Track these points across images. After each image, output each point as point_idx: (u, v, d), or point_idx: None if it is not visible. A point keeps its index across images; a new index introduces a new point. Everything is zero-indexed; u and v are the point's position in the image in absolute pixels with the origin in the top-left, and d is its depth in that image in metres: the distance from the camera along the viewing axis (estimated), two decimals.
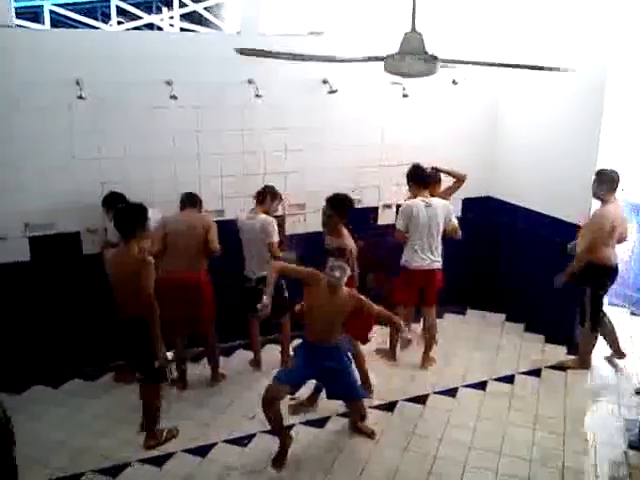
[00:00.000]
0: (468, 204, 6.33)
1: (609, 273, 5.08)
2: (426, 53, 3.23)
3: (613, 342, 5.45)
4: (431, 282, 5.28)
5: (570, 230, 5.46)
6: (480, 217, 6.35)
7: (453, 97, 6.05)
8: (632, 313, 6.46)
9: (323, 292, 4.06)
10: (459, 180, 5.68)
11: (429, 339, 5.52)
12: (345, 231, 4.82)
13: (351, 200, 4.97)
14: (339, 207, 4.83)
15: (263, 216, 5.00)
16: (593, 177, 5.00)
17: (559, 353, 5.69)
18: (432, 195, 5.32)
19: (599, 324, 5.25)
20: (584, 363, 5.41)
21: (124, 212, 4.07)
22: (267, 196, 5.11)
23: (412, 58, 3.19)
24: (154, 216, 4.83)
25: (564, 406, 4.87)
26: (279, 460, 4.12)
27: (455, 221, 5.26)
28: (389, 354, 5.59)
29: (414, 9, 3.26)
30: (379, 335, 5.69)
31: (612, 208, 4.95)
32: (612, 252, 5.05)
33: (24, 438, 3.67)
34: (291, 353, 5.01)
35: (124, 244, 4.02)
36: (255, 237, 4.99)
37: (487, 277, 6.49)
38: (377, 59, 3.27)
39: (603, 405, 4.94)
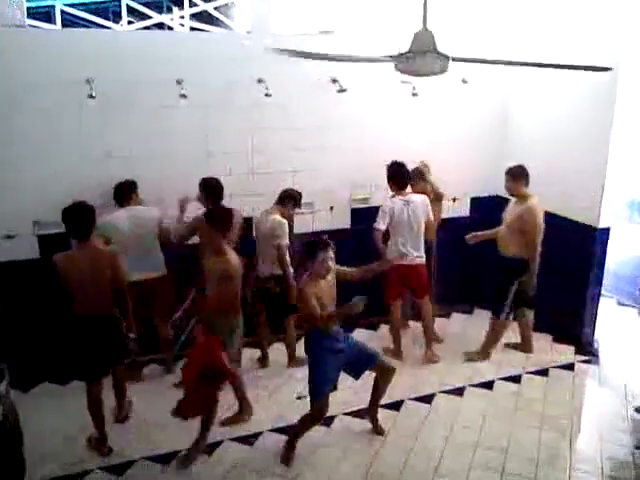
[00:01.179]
0: (476, 203, 6.32)
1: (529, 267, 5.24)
2: (437, 51, 3.23)
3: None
4: (416, 276, 5.35)
5: (578, 229, 5.45)
6: (488, 216, 6.31)
7: (463, 96, 6.04)
8: None
9: (321, 288, 4.03)
10: (437, 197, 5.67)
11: (428, 333, 5.55)
12: (230, 251, 4.21)
13: (229, 212, 4.37)
14: (218, 222, 4.20)
15: (275, 216, 5.01)
16: (505, 177, 5.25)
17: (567, 353, 5.67)
18: (415, 192, 5.37)
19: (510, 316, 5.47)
20: (487, 355, 5.58)
21: (78, 212, 3.97)
22: (289, 200, 5.11)
23: (423, 56, 3.20)
24: (150, 213, 4.89)
25: (571, 406, 4.86)
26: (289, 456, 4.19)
27: (432, 216, 5.34)
28: (395, 352, 5.60)
29: (425, 7, 3.26)
30: (384, 335, 5.71)
31: (537, 201, 5.16)
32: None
33: (33, 434, 3.70)
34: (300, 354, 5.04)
35: (83, 243, 4.00)
36: (265, 236, 5.02)
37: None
38: (388, 58, 3.28)
39: (611, 405, 4.92)
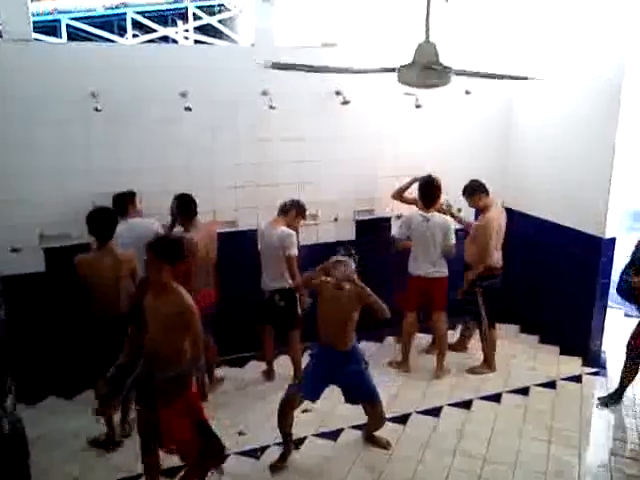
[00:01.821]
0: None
1: (498, 275, 5.43)
2: (440, 64, 3.24)
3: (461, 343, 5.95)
4: (432, 289, 5.34)
5: (584, 240, 5.43)
6: None
7: (466, 107, 6.05)
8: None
9: (331, 294, 4.06)
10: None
11: (440, 348, 5.52)
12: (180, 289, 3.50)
13: (178, 243, 3.64)
14: (167, 254, 3.47)
15: (283, 228, 4.99)
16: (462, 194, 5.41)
17: (574, 365, 5.63)
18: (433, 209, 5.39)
19: (493, 323, 5.49)
20: (490, 366, 5.57)
21: (103, 216, 4.26)
22: (292, 209, 5.09)
23: (426, 69, 3.20)
24: (148, 225, 4.85)
25: (579, 418, 4.82)
26: (278, 466, 4.20)
27: (452, 241, 5.24)
28: (403, 365, 5.57)
29: (428, 19, 3.27)
30: (393, 347, 5.68)
31: (494, 213, 5.33)
32: (499, 255, 5.40)
33: (39, 447, 3.69)
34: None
35: (102, 246, 4.24)
36: (273, 248, 4.99)
37: (501, 288, 6.44)
38: (391, 70, 3.28)
39: (619, 418, 4.87)
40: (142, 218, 4.95)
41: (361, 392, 4.27)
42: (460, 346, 5.96)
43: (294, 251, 4.94)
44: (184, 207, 4.84)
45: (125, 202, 4.90)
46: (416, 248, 5.32)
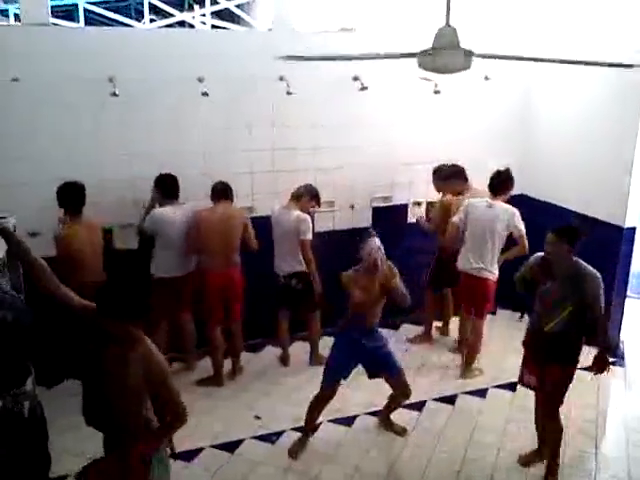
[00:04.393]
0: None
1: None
2: (460, 48, 3.19)
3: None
4: (475, 290, 5.10)
5: (604, 229, 5.36)
6: None
7: (485, 93, 5.97)
8: None
9: (365, 283, 4.02)
10: None
11: (470, 348, 5.29)
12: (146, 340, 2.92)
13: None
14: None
15: (298, 212, 4.99)
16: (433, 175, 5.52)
17: (592, 354, 5.56)
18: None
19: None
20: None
21: (73, 189, 4.48)
22: (306, 195, 5.09)
23: (446, 53, 3.15)
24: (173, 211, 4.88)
25: (597, 408, 4.79)
26: (296, 450, 4.24)
27: (521, 229, 4.94)
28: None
29: (448, 3, 3.21)
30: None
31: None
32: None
33: (58, 429, 3.73)
34: (322, 351, 5.04)
35: (76, 218, 4.52)
36: (288, 233, 4.99)
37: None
38: (411, 55, 3.24)
39: (637, 407, 4.83)
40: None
41: (386, 365, 4.24)
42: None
43: (309, 236, 4.94)
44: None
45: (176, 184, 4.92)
46: (468, 238, 5.08)
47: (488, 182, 5.15)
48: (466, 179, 5.43)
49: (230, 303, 5.00)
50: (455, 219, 5.12)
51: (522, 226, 4.97)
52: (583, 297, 3.71)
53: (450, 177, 5.44)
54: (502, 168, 5.18)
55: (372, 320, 4.15)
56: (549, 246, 3.78)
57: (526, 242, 4.92)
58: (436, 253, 5.68)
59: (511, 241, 5.08)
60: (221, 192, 4.88)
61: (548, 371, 3.86)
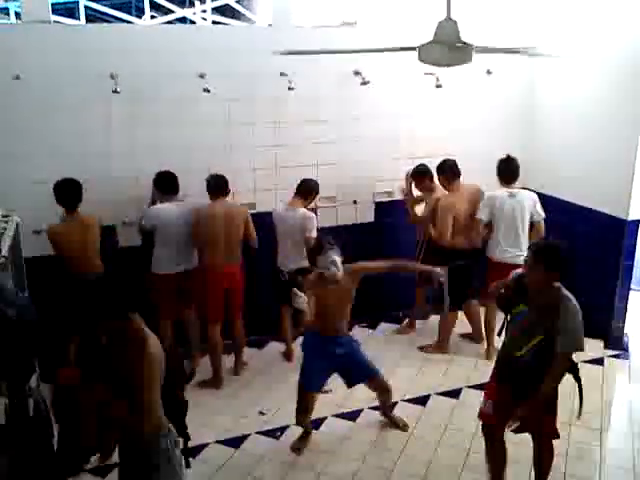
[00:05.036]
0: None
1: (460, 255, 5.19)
2: (461, 41, 3.17)
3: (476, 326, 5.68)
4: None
5: (607, 222, 5.35)
6: None
7: (487, 86, 5.95)
8: None
9: (326, 288, 3.98)
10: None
11: (490, 331, 5.38)
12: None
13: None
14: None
15: (304, 210, 5.01)
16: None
17: (596, 347, 5.57)
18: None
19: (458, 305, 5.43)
20: (442, 347, 5.55)
21: (69, 186, 4.53)
22: (312, 193, 5.13)
23: (447, 46, 3.14)
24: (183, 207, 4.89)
25: (601, 401, 4.78)
26: (299, 446, 4.24)
27: (543, 215, 5.11)
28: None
29: None
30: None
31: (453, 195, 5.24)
32: (459, 238, 5.21)
33: None
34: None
35: (72, 214, 4.58)
36: (293, 230, 5.00)
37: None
38: (411, 49, 3.23)
39: None
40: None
41: (362, 371, 4.24)
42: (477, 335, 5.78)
43: (314, 233, 4.95)
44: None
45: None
46: (499, 230, 5.11)
47: (502, 171, 5.17)
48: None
49: (231, 300, 5.00)
50: (480, 216, 5.13)
51: (542, 211, 5.12)
52: (555, 328, 3.19)
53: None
54: (504, 156, 5.21)
55: (338, 326, 4.12)
56: (525, 265, 3.34)
57: (543, 226, 5.08)
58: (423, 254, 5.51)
59: None
60: (217, 188, 4.87)
61: (546, 421, 3.45)
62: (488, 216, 5.12)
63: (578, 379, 3.45)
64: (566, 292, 3.25)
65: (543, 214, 5.14)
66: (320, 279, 3.99)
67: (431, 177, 5.48)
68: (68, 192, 4.54)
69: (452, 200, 5.23)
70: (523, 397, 3.28)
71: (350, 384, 4.33)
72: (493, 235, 5.17)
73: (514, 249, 5.06)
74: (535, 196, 5.19)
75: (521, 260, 4.82)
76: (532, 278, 3.26)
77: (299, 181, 5.18)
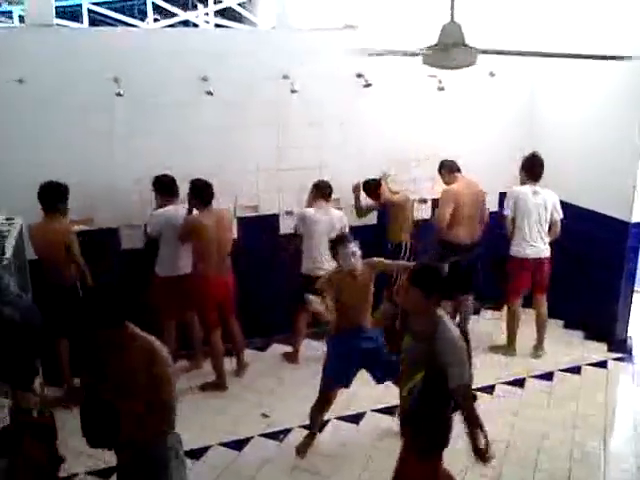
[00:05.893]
0: (505, 197, 6.23)
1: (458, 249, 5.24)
2: (465, 44, 3.18)
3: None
4: (541, 269, 5.29)
5: (611, 224, 5.35)
6: None
7: (490, 89, 5.94)
8: None
9: (346, 282, 4.00)
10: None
11: (541, 330, 5.50)
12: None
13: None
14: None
15: (335, 210, 5.12)
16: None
17: (600, 350, 5.56)
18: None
19: None
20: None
21: (50, 188, 4.42)
22: (329, 192, 5.21)
23: (451, 49, 3.15)
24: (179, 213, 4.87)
25: (605, 404, 4.77)
26: (304, 449, 4.21)
27: (561, 215, 5.27)
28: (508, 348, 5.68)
29: None
30: None
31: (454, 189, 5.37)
32: (462, 230, 5.34)
33: (69, 431, 3.74)
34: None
35: (50, 216, 4.42)
36: (330, 231, 5.02)
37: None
38: (417, 53, 3.23)
39: None
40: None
41: (385, 371, 4.14)
42: None
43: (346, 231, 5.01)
44: (198, 192, 4.78)
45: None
46: (523, 227, 5.23)
47: (529, 168, 5.28)
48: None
49: (224, 306, 4.98)
50: (507, 212, 5.29)
51: (561, 211, 5.28)
52: (436, 364, 2.90)
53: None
54: (527, 154, 5.35)
55: (360, 319, 4.10)
56: (403, 289, 3.10)
57: (559, 226, 5.26)
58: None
59: None
60: (208, 195, 4.76)
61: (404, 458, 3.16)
62: (514, 212, 5.26)
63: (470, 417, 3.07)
64: (447, 320, 3.00)
65: (562, 214, 5.26)
66: (338, 274, 4.03)
67: (378, 187, 5.52)
68: (43, 194, 4.43)
69: (454, 189, 5.36)
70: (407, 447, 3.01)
71: (378, 380, 4.24)
72: (516, 232, 5.26)
73: (538, 243, 5.23)
74: (556, 196, 5.29)
75: (546, 253, 5.18)
76: (409, 303, 3.07)
77: (317, 182, 5.22)
